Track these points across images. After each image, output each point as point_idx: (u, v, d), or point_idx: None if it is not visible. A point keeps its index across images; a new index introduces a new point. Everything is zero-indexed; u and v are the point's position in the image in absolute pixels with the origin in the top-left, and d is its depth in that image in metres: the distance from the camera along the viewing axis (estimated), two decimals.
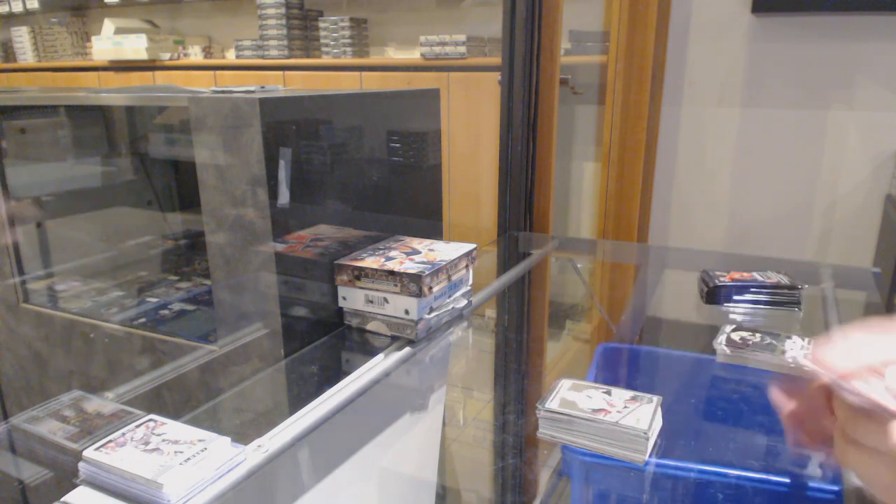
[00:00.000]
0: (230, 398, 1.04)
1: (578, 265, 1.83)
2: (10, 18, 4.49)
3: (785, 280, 1.28)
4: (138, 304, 1.43)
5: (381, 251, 1.13)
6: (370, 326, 1.09)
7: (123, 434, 0.73)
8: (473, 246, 1.17)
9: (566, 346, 1.43)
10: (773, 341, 1.05)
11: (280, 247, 1.01)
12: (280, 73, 3.24)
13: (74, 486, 0.69)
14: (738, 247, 2.42)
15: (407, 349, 1.04)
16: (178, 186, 1.80)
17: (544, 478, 0.88)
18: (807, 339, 1.06)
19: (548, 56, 1.72)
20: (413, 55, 3.15)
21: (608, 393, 0.87)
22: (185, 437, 0.73)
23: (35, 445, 0.81)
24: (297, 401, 0.88)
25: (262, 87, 1.18)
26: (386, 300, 1.05)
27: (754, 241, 2.40)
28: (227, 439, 0.73)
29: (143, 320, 1.33)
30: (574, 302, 1.69)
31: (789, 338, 1.07)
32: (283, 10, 3.21)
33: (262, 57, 3.33)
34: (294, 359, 1.04)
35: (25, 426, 0.83)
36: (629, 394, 0.87)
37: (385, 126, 1.24)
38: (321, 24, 3.21)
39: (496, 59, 2.31)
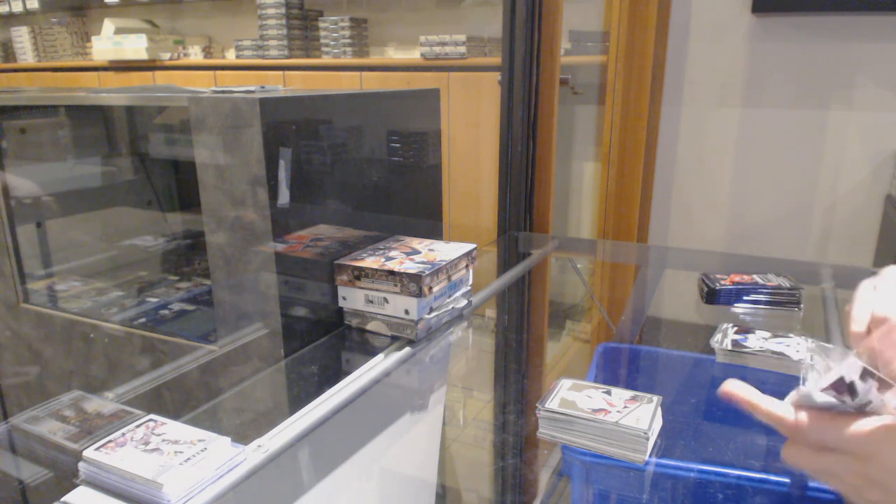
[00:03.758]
0: (230, 398, 1.04)
1: (578, 265, 1.83)
2: (10, 18, 4.49)
3: (785, 283, 1.28)
4: (138, 304, 1.43)
5: (381, 251, 1.13)
6: (370, 326, 1.09)
7: (123, 434, 0.73)
8: (473, 246, 1.17)
9: (566, 346, 1.43)
10: (773, 341, 1.05)
11: (280, 247, 1.01)
12: (280, 73, 3.24)
13: (74, 486, 0.69)
14: (738, 247, 2.42)
15: (407, 349, 1.04)
16: (178, 186, 1.80)
17: (544, 478, 0.88)
18: (807, 339, 1.06)
19: (548, 56, 1.72)
20: (413, 55, 3.15)
21: (608, 393, 0.87)
22: (185, 437, 0.73)
23: (35, 445, 0.81)
24: (297, 401, 0.88)
25: (262, 87, 1.18)
26: (386, 300, 1.05)
27: (754, 241, 2.40)
28: (227, 439, 0.73)
29: (143, 320, 1.33)
30: (574, 302, 1.69)
31: (789, 337, 1.07)
32: (283, 10, 3.21)
33: (262, 57, 3.33)
34: (294, 359, 1.04)
35: (25, 426, 0.83)
36: (629, 394, 0.87)
37: (385, 126, 1.24)
38: (321, 24, 3.21)
39: (496, 59, 2.31)
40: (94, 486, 0.68)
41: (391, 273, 1.03)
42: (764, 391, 0.54)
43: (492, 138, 2.58)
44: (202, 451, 0.70)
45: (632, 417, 0.81)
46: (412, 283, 1.01)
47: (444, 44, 2.78)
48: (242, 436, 0.77)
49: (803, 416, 0.50)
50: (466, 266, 1.15)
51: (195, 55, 3.65)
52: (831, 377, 0.48)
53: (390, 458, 0.96)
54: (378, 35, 3.32)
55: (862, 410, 0.49)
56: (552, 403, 0.84)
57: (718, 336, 1.08)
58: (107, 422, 0.82)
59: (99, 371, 1.34)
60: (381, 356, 1.01)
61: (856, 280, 0.64)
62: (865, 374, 0.47)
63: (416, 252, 1.13)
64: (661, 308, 1.48)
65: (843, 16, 2.09)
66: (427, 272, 1.02)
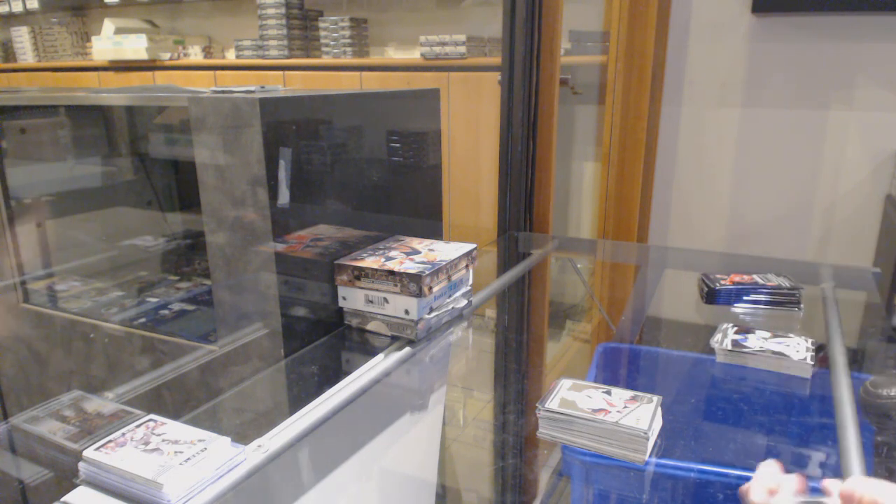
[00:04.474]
0: (230, 398, 1.04)
1: (578, 265, 1.83)
2: (10, 18, 4.49)
3: (785, 283, 1.28)
4: (138, 304, 1.43)
5: (381, 251, 1.13)
6: (370, 326, 1.09)
7: (123, 434, 0.73)
8: (473, 246, 1.17)
9: (566, 346, 1.43)
10: (773, 341, 1.05)
11: (280, 247, 1.01)
12: (280, 73, 3.24)
13: (74, 486, 0.69)
14: (738, 247, 2.42)
15: (407, 349, 1.04)
16: (178, 186, 1.80)
17: (544, 478, 0.88)
18: (806, 339, 1.06)
19: (548, 56, 1.72)
20: (413, 55, 3.15)
21: (608, 393, 0.87)
22: (185, 437, 0.73)
23: (35, 445, 0.81)
24: (297, 401, 0.88)
25: (262, 87, 1.18)
26: (386, 300, 1.05)
27: (754, 242, 2.40)
28: (227, 439, 0.73)
29: (143, 320, 1.33)
30: (574, 302, 1.69)
31: (789, 337, 1.07)
32: (283, 10, 3.21)
33: (262, 57, 3.33)
34: (294, 359, 1.04)
35: (25, 426, 0.83)
36: (629, 394, 0.87)
37: (385, 126, 1.24)
38: (321, 24, 3.21)
39: (496, 59, 2.31)
40: (94, 486, 0.68)
41: (391, 273, 1.03)
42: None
43: (492, 138, 2.58)
44: (202, 451, 0.70)
45: (632, 417, 0.81)
46: (412, 283, 1.01)
47: (444, 44, 2.78)
48: (242, 436, 0.77)
49: None
50: (466, 266, 1.15)
51: (195, 55, 3.65)
52: None
53: (390, 458, 0.96)
54: (378, 35, 3.32)
55: None
56: (552, 403, 0.84)
57: (718, 336, 1.08)
58: (107, 422, 0.82)
59: (99, 371, 1.34)
60: (381, 356, 1.01)
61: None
62: None
63: (416, 252, 1.13)
64: (661, 308, 1.48)
65: (843, 16, 2.09)
66: (427, 272, 1.02)
